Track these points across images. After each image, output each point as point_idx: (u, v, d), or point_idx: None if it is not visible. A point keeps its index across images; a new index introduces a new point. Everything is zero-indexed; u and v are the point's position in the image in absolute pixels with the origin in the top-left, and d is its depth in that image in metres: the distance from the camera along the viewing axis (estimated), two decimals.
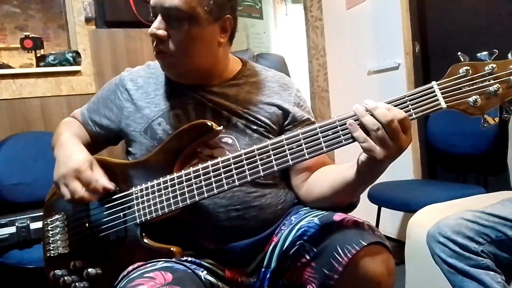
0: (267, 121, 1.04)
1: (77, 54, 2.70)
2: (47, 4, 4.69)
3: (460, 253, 1.19)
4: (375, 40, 2.77)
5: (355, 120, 0.81)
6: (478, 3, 2.23)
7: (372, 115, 0.79)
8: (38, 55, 2.69)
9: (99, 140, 1.13)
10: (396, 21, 2.53)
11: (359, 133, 0.80)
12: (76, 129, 1.14)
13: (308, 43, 3.31)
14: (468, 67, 0.79)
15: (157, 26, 0.95)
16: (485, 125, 0.80)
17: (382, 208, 2.36)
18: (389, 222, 2.67)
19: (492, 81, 0.78)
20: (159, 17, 0.95)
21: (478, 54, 0.80)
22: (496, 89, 0.77)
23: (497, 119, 0.80)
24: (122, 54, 2.76)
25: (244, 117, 1.02)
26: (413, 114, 0.79)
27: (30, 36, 2.64)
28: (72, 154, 1.00)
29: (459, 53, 0.81)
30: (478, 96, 0.78)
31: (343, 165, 0.95)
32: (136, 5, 2.70)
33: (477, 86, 0.78)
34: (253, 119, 1.03)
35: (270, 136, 1.04)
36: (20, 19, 4.73)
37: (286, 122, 1.07)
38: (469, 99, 0.78)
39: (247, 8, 4.46)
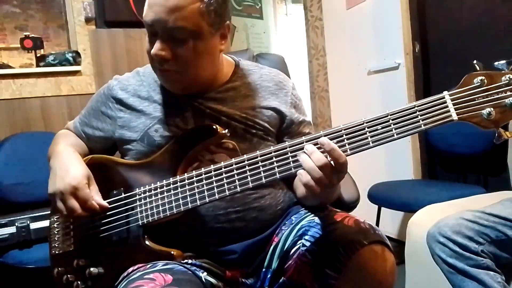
0: (265, 124, 1.03)
1: (77, 54, 2.71)
2: (47, 4, 4.69)
3: (460, 253, 1.19)
4: (375, 40, 2.77)
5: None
6: (478, 3, 2.23)
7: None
8: (38, 55, 2.69)
9: (95, 151, 1.12)
10: (396, 21, 2.53)
11: (307, 179, 0.79)
12: (73, 139, 1.13)
13: (308, 43, 3.31)
14: (484, 77, 0.74)
15: (160, 47, 0.92)
16: (499, 139, 0.76)
17: (382, 208, 2.36)
18: (389, 222, 2.67)
19: (508, 93, 0.73)
20: (160, 37, 0.92)
21: (496, 63, 0.75)
22: None
23: (511, 134, 0.76)
24: (122, 54, 2.77)
25: (243, 122, 1.02)
26: (422, 126, 0.76)
27: (30, 36, 2.65)
28: (69, 168, 0.98)
29: (474, 61, 0.77)
30: (492, 109, 0.73)
31: None
32: (136, 5, 2.71)
33: (492, 97, 0.74)
34: (252, 124, 1.02)
35: (269, 139, 1.04)
36: (20, 19, 4.74)
37: (284, 126, 1.07)
38: (482, 111, 0.74)
39: (247, 8, 4.46)
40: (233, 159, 0.88)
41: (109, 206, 0.97)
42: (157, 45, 0.92)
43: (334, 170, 0.78)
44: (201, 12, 0.90)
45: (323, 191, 0.79)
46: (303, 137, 0.83)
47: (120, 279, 0.90)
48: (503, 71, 0.75)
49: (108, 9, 2.77)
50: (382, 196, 2.25)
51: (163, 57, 0.92)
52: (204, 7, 0.91)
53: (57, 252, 1.03)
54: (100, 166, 1.04)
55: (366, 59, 2.85)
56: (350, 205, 1.20)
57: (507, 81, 0.73)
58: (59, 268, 1.01)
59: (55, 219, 1.06)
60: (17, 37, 3.85)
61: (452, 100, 0.75)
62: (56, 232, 1.05)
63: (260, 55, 1.68)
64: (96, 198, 0.96)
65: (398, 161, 2.66)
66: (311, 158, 0.78)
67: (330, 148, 0.77)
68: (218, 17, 0.94)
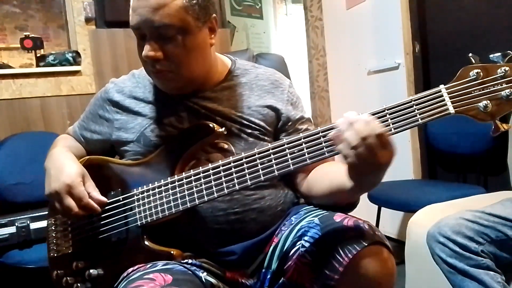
0: (261, 123, 1.03)
1: (77, 54, 2.70)
2: (47, 4, 4.69)
3: (460, 253, 1.19)
4: (375, 40, 2.77)
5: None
6: (478, 3, 2.23)
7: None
8: (38, 55, 2.69)
9: (93, 154, 1.13)
10: (396, 21, 2.53)
11: (341, 147, 0.76)
12: (70, 143, 1.14)
13: (308, 43, 3.31)
14: (479, 70, 0.74)
15: (150, 48, 0.92)
16: (496, 132, 0.76)
17: (382, 208, 2.36)
18: (389, 222, 2.67)
19: (504, 85, 0.73)
20: (148, 38, 0.92)
21: (491, 56, 0.75)
22: (508, 93, 0.72)
23: (508, 126, 0.76)
24: (122, 54, 2.76)
25: (238, 122, 1.02)
26: (419, 120, 0.76)
27: (30, 36, 2.65)
28: (63, 167, 0.98)
29: (470, 54, 0.76)
30: (488, 101, 0.73)
31: (340, 168, 0.89)
32: None
33: (488, 90, 0.74)
34: (247, 123, 1.02)
35: (266, 138, 1.04)
36: (20, 19, 4.74)
37: (280, 123, 1.07)
38: (479, 104, 0.74)
39: (247, 8, 4.46)
40: (231, 157, 0.88)
41: (108, 201, 0.97)
42: (147, 46, 0.93)
43: (378, 144, 0.74)
44: (185, 7, 0.91)
45: (368, 170, 0.77)
46: (301, 133, 0.83)
47: (119, 279, 0.90)
48: (498, 64, 0.75)
49: (108, 9, 2.77)
50: (382, 196, 2.24)
51: (154, 57, 0.93)
52: (187, 1, 0.91)
53: (55, 254, 1.04)
54: (96, 167, 1.04)
55: (366, 59, 2.85)
56: (350, 206, 1.20)
57: (503, 74, 0.73)
58: (58, 271, 1.01)
59: (53, 222, 1.06)
60: (17, 37, 3.85)
61: (448, 93, 0.76)
62: (54, 235, 1.05)
63: (260, 55, 1.68)
64: (94, 194, 0.96)
65: (398, 161, 2.62)
66: (354, 128, 0.74)
67: (364, 121, 0.74)
68: (203, 10, 0.95)
